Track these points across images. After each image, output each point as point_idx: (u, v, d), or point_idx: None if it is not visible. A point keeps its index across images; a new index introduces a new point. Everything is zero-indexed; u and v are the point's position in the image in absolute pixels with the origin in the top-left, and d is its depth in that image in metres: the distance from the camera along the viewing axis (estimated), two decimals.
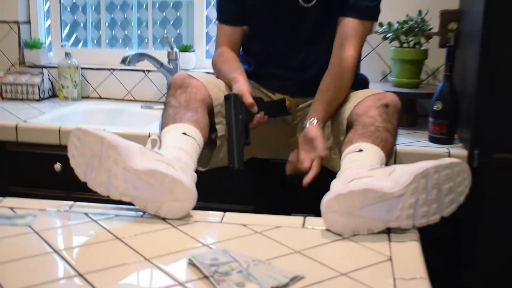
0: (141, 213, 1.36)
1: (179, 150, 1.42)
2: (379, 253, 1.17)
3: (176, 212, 1.32)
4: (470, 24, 2.06)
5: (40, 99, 2.66)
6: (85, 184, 2.03)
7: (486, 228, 1.88)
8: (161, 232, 1.26)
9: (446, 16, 2.34)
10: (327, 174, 1.79)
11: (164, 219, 1.33)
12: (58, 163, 2.11)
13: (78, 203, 1.42)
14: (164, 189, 1.28)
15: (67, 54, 2.65)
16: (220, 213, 1.37)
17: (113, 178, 1.29)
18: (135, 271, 1.09)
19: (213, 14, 2.75)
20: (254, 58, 1.95)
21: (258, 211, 1.93)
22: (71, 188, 2.09)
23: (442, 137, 1.97)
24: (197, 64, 2.70)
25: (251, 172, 1.89)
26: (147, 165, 1.28)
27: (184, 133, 1.48)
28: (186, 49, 2.64)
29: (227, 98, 1.62)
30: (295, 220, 1.35)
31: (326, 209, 1.28)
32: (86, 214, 1.36)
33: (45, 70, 2.71)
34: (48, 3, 2.88)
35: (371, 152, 1.43)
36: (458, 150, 1.92)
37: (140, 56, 2.44)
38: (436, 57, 2.36)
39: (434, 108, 1.97)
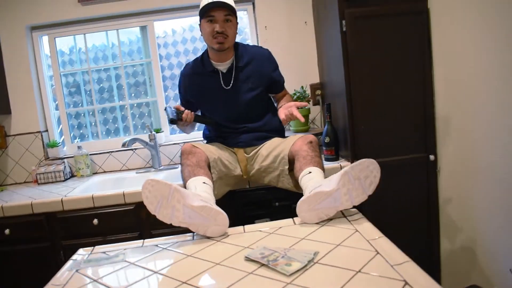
0: (191, 237, 1.34)
1: (206, 193, 1.44)
2: (368, 251, 1.08)
3: (217, 233, 1.32)
4: (333, 89, 2.22)
5: (65, 180, 2.50)
6: (116, 230, 1.98)
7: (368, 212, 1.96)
8: (213, 246, 1.25)
9: (314, 87, 2.54)
10: (275, 194, 1.86)
11: (209, 237, 1.31)
12: (95, 219, 2.00)
13: (147, 239, 1.37)
14: (210, 218, 1.29)
15: (79, 147, 2.54)
16: (241, 227, 1.37)
17: (176, 211, 1.27)
18: (218, 272, 1.07)
19: None
20: (209, 127, 2.00)
21: (234, 222, 1.94)
22: (107, 234, 2.01)
23: (332, 157, 2.09)
24: (166, 139, 2.67)
25: (226, 199, 1.90)
26: (198, 203, 1.29)
27: (204, 182, 1.50)
28: (158, 131, 2.62)
29: (165, 109, 1.93)
30: (288, 221, 1.36)
31: (298, 210, 1.33)
32: (156, 245, 1.32)
33: (65, 160, 2.57)
34: (58, 115, 2.73)
35: (316, 172, 1.50)
36: (344, 163, 2.03)
37: (134, 140, 2.39)
38: (313, 111, 2.53)
39: (325, 141, 2.09)
